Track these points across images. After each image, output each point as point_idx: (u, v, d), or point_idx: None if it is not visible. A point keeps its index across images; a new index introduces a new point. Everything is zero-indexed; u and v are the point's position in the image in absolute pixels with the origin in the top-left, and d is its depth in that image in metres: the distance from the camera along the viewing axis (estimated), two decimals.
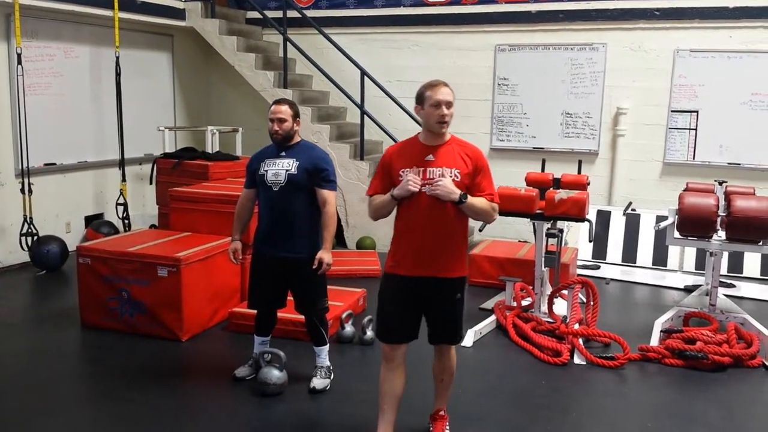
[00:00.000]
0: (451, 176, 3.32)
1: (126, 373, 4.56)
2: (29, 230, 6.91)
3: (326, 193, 4.12)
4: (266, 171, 4.15)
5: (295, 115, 4.18)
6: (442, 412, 3.74)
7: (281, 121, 4.13)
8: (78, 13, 7.43)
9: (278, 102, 4.22)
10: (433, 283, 3.41)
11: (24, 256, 7.05)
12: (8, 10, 6.73)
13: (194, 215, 5.87)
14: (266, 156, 4.23)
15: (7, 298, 6.23)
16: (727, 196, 5.26)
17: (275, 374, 4.19)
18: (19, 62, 6.64)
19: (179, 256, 5.06)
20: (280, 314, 4.51)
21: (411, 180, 3.29)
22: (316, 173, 4.12)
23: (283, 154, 4.18)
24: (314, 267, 4.04)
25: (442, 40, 8.75)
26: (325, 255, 4.06)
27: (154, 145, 8.50)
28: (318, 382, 4.27)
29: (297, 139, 4.25)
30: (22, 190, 6.83)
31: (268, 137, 4.25)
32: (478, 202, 3.36)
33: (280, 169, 4.12)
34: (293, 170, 4.10)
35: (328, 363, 4.38)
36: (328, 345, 4.39)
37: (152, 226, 7.90)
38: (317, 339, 4.34)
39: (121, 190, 7.87)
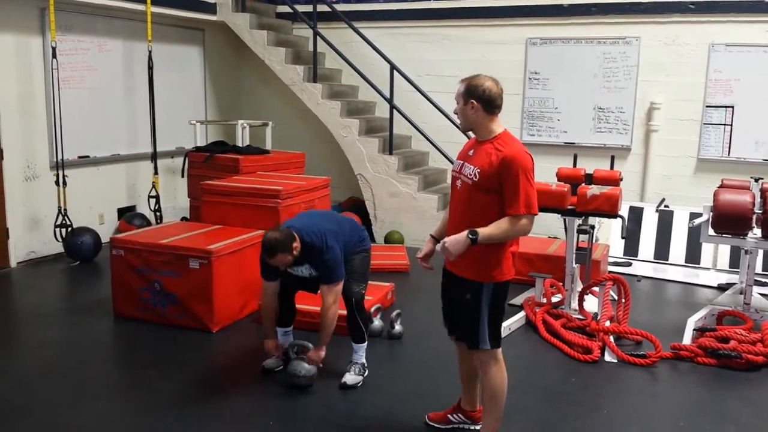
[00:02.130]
0: (471, 174, 3.24)
1: (157, 363, 4.62)
2: (63, 222, 7.02)
3: (325, 289, 4.18)
4: (290, 272, 4.26)
5: (290, 246, 4.05)
6: None
7: (284, 264, 4.15)
8: (111, 8, 7.52)
9: (269, 254, 4.04)
10: (453, 278, 3.40)
11: (58, 247, 7.18)
12: (43, 5, 6.83)
13: (225, 208, 5.92)
14: None
15: (42, 289, 6.34)
16: (764, 193, 5.17)
17: (305, 366, 4.21)
18: (54, 56, 6.73)
19: (211, 249, 5.11)
20: (310, 308, 4.51)
21: (443, 252, 3.25)
22: (322, 272, 4.19)
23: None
24: (307, 357, 4.21)
25: (472, 34, 8.69)
26: (315, 354, 4.22)
27: (185, 139, 8.61)
28: (350, 378, 4.27)
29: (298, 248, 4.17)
30: (57, 183, 6.93)
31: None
32: (492, 230, 3.15)
33: (303, 274, 4.26)
34: (314, 272, 4.22)
35: (363, 360, 4.37)
36: (366, 343, 4.38)
37: (184, 219, 7.98)
38: (356, 334, 4.35)
39: (153, 182, 7.96)
